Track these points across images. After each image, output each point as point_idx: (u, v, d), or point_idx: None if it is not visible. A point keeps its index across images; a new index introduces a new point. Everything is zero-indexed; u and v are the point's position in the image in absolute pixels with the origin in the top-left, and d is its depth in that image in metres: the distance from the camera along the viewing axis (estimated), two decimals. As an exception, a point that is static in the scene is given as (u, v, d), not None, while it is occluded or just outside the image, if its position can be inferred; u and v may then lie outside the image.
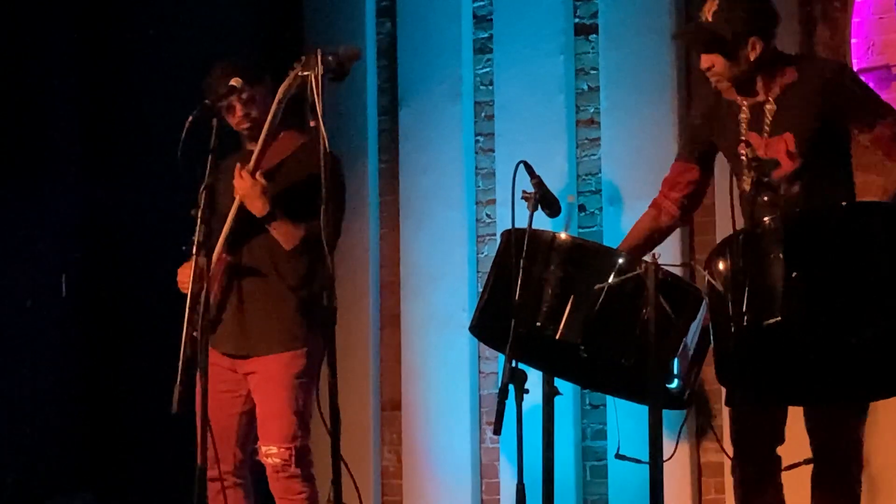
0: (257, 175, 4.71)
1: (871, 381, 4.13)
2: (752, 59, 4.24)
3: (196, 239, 4.39)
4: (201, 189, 4.38)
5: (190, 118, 4.37)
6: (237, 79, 4.73)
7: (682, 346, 4.12)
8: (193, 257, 4.43)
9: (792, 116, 4.24)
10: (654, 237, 4.56)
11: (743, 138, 4.30)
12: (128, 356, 6.37)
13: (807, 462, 4.26)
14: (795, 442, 4.31)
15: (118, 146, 6.48)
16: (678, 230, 5.26)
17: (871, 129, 4.24)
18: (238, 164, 4.75)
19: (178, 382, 4.30)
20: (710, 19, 4.22)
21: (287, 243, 4.76)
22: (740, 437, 4.32)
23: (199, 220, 4.37)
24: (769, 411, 4.28)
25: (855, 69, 5.60)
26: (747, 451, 4.31)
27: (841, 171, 4.31)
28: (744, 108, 4.33)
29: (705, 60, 4.27)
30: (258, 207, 4.72)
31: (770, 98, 4.28)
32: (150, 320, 5.89)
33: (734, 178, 4.39)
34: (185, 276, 4.61)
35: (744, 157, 4.28)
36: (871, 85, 5.31)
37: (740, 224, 4.29)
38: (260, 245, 4.82)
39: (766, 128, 4.27)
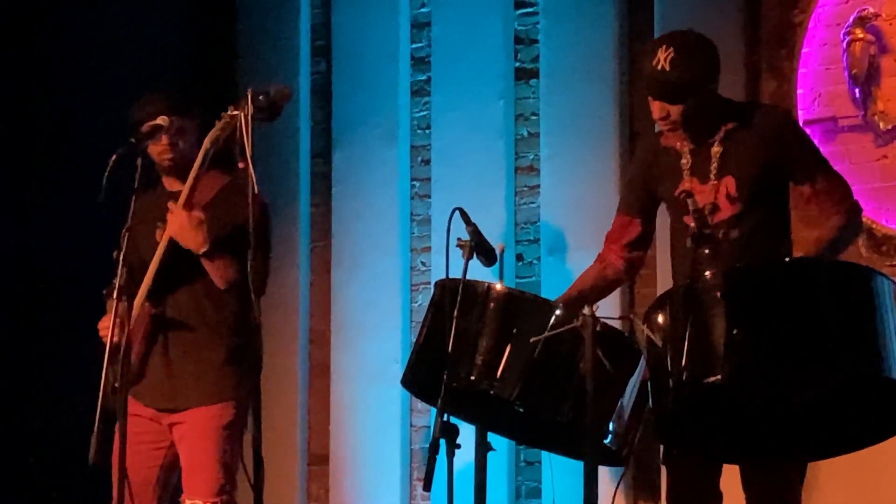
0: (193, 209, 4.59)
1: (812, 442, 4.11)
2: (708, 106, 4.22)
3: (117, 283, 4.30)
4: (123, 231, 4.30)
5: (114, 156, 4.28)
6: (164, 117, 4.62)
7: (620, 402, 4.09)
8: (114, 304, 4.33)
9: (735, 160, 4.22)
10: (600, 288, 4.51)
11: (682, 189, 4.26)
12: (45, 405, 6.23)
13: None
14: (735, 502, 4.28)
15: (38, 183, 6.38)
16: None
17: (813, 183, 4.24)
18: (170, 203, 4.62)
19: (95, 433, 4.19)
20: (667, 68, 4.15)
21: (222, 281, 4.62)
22: (677, 497, 4.27)
23: (120, 264, 4.27)
24: (705, 470, 4.23)
25: (801, 121, 5.65)
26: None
27: (780, 220, 4.29)
28: (685, 153, 4.29)
29: (661, 109, 4.22)
30: (198, 242, 4.57)
31: (715, 141, 4.25)
32: (69, 369, 5.72)
33: (674, 229, 4.35)
34: (106, 325, 4.49)
35: (686, 204, 4.24)
36: (816, 137, 5.42)
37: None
38: (185, 294, 4.69)
39: (710, 171, 4.24)
